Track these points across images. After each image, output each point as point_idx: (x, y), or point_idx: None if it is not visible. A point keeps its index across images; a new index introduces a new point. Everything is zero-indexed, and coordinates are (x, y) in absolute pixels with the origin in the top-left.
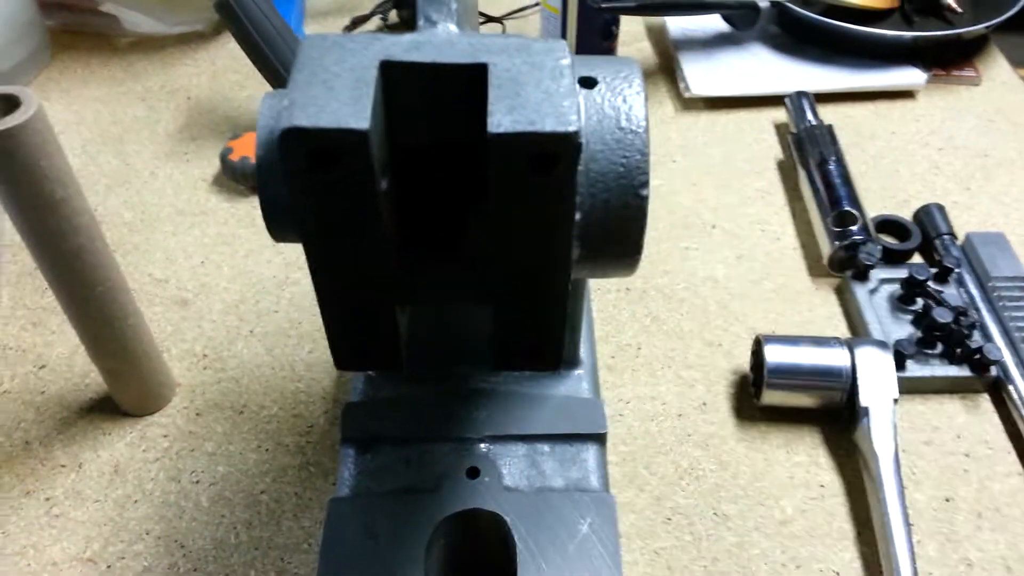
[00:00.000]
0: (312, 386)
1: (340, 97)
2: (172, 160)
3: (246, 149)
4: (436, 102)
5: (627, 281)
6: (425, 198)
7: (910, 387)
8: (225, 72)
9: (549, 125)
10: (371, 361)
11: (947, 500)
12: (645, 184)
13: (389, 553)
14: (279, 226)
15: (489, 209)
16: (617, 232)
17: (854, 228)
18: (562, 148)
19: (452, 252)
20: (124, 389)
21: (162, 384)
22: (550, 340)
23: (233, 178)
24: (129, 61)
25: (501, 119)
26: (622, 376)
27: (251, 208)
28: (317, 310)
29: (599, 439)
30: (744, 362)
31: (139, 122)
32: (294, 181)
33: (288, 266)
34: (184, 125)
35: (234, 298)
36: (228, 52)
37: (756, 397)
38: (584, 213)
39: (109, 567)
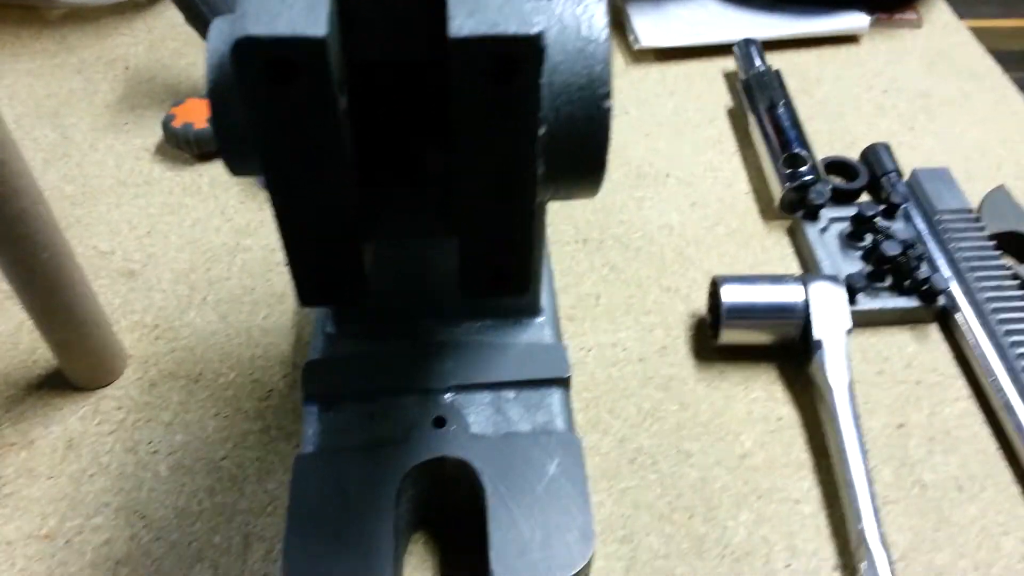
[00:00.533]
0: (270, 351)
1: (294, 7)
2: (112, 131)
3: (189, 115)
4: (393, 13)
5: (584, 232)
6: (385, 125)
7: (862, 320)
8: (163, 40)
9: (512, 27)
10: (335, 295)
11: (900, 426)
12: (607, 96)
13: (358, 506)
14: (236, 156)
15: (451, 127)
16: (581, 147)
17: (804, 169)
18: (526, 52)
19: (414, 183)
20: (74, 362)
21: (113, 356)
22: (517, 263)
23: (177, 146)
24: (62, 34)
25: (462, 23)
26: (583, 325)
27: (196, 176)
28: (271, 276)
29: (563, 383)
30: (701, 305)
31: (75, 94)
32: (251, 98)
33: (238, 232)
34: (123, 95)
35: (184, 267)
36: (166, 20)
37: (714, 338)
38: (548, 127)
39: (68, 542)
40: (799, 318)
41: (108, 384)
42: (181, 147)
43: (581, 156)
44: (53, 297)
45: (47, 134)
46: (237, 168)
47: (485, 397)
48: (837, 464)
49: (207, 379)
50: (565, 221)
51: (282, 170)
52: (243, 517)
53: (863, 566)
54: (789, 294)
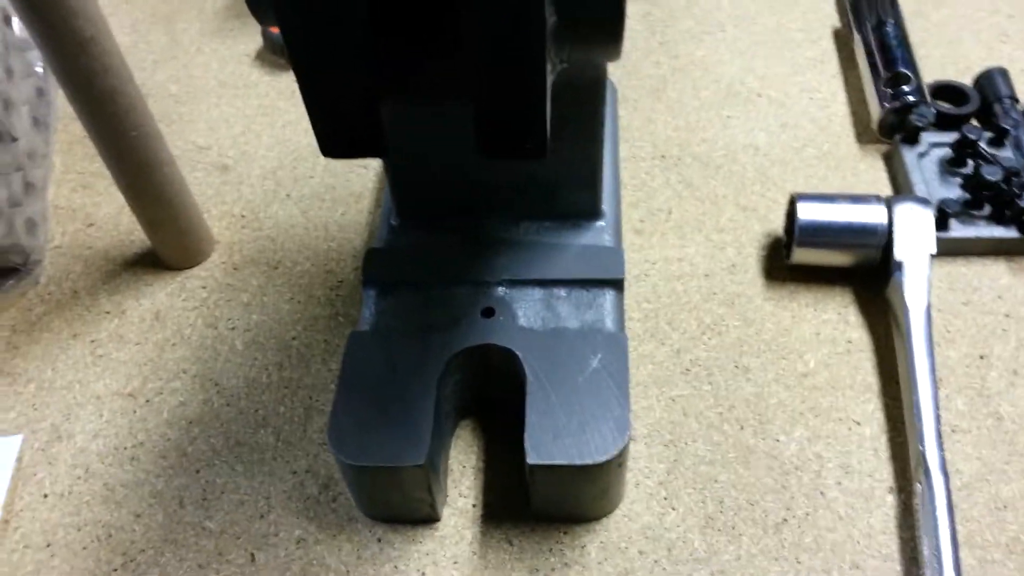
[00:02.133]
0: (344, 245)
1: None
2: (218, 36)
3: None
4: None
5: (663, 148)
6: None
7: (952, 248)
8: None
9: None
10: (354, 149)
11: (981, 358)
12: None
13: (404, 383)
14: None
15: None
16: None
17: (907, 89)
18: None
19: (426, 38)
20: (165, 241)
21: (201, 239)
22: (532, 122)
23: (274, 52)
24: None
25: None
26: (650, 239)
27: (291, 82)
28: (351, 177)
29: (616, 285)
30: (779, 227)
31: (187, 1)
32: None
33: None
34: (231, 2)
35: (272, 165)
36: None
37: (787, 257)
38: None
39: (148, 401)
40: (880, 241)
41: (195, 265)
42: (277, 53)
43: (592, 3)
44: (142, 174)
45: (159, 37)
46: (261, 17)
47: (536, 293)
48: (905, 387)
49: (285, 267)
50: (644, 137)
51: (296, 15)
52: (307, 392)
53: (918, 487)
54: (871, 214)
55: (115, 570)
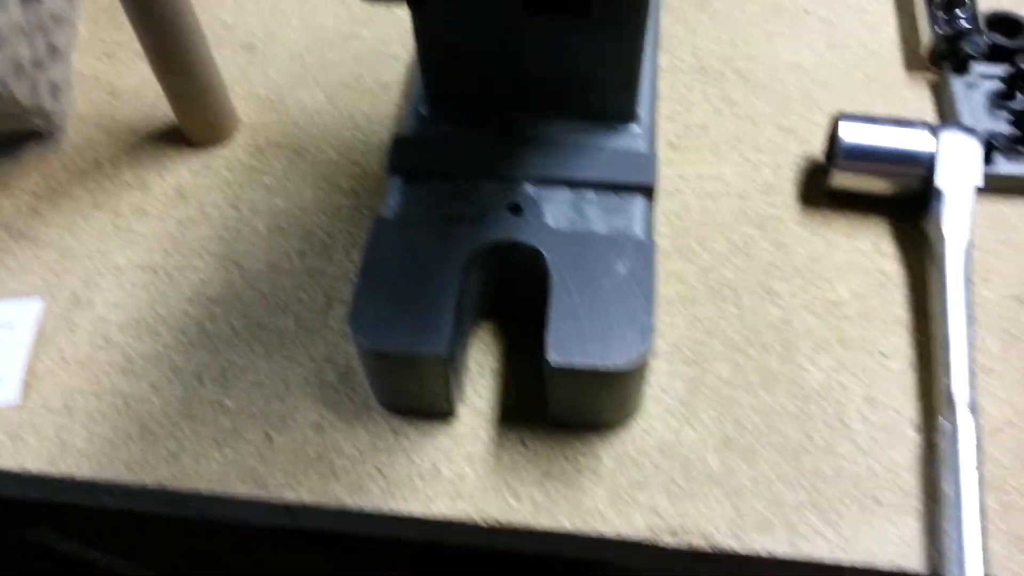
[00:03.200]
0: (371, 137)
1: None
2: None
3: None
4: None
5: (704, 61)
6: None
7: (997, 185)
8: None
9: None
10: None
11: (1018, 299)
12: None
13: (427, 273)
14: None
15: None
16: None
17: (961, 14)
18: None
19: None
20: (190, 116)
21: (226, 117)
22: None
23: None
24: None
25: None
26: (684, 154)
27: None
28: (380, 67)
29: (647, 192)
30: (819, 149)
31: None
32: None
33: (355, 22)
34: None
35: (300, 48)
36: None
37: (825, 182)
38: None
39: (169, 276)
40: (923, 168)
41: (219, 144)
42: None
43: None
44: (168, 40)
45: None
46: None
47: (565, 194)
48: (937, 322)
49: (310, 153)
50: (685, 48)
51: None
52: (328, 280)
53: (945, 424)
54: (916, 140)
55: (131, 438)
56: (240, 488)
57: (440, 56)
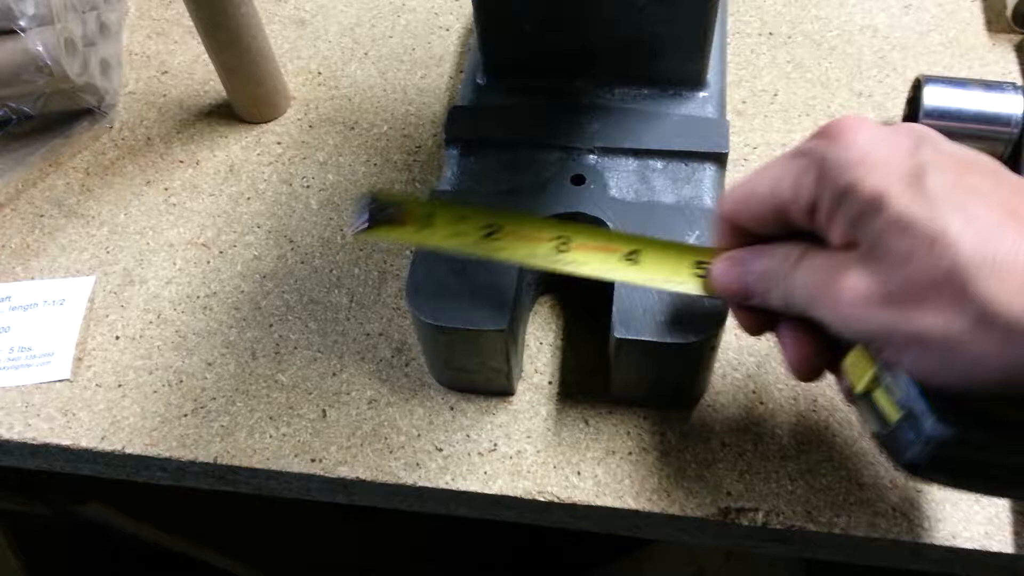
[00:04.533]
0: (423, 110)
1: None
2: None
3: None
4: None
5: (771, 25)
6: None
7: None
8: None
9: None
10: None
11: None
12: None
13: None
14: None
15: None
16: None
17: None
18: None
19: None
20: (241, 91)
21: (278, 92)
22: None
23: None
24: None
25: None
26: (752, 122)
27: None
28: (432, 39)
29: (719, 159)
30: (897, 115)
31: None
32: None
33: None
34: None
35: (351, 21)
36: None
37: None
38: None
39: (221, 252)
40: (1013, 132)
41: (271, 120)
42: None
43: None
44: (220, 15)
45: None
46: None
47: (630, 163)
48: None
49: (362, 128)
50: (751, 11)
51: None
52: (382, 256)
53: None
54: (1004, 103)
55: (185, 415)
56: (295, 464)
57: (499, 22)
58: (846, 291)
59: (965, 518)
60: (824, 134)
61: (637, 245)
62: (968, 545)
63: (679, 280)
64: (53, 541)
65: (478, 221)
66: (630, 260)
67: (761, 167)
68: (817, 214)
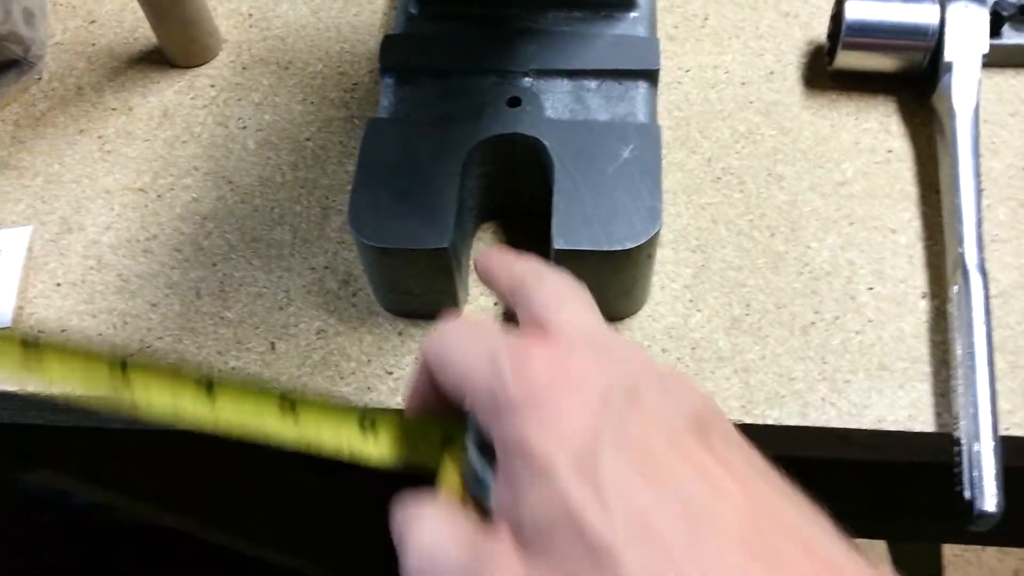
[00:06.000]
0: (357, 47)
1: None
2: None
3: None
4: None
5: None
6: None
7: (1004, 57)
8: None
9: None
10: None
11: None
12: None
13: (425, 171)
14: None
15: None
16: None
17: None
18: None
19: None
20: (171, 35)
21: (209, 35)
22: None
23: None
24: None
25: None
26: (683, 45)
27: None
28: None
29: (650, 77)
30: (821, 34)
31: None
32: None
33: None
34: None
35: None
36: None
37: (830, 64)
38: None
39: (159, 196)
40: (930, 42)
41: (203, 64)
42: None
43: None
44: None
45: None
46: None
47: (565, 84)
48: (946, 195)
49: (296, 67)
50: None
51: None
52: (323, 192)
53: (955, 289)
54: (923, 14)
55: (132, 355)
56: None
57: None
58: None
59: (890, 403)
60: (512, 350)
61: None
62: (893, 427)
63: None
64: (4, 511)
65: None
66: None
67: (464, 336)
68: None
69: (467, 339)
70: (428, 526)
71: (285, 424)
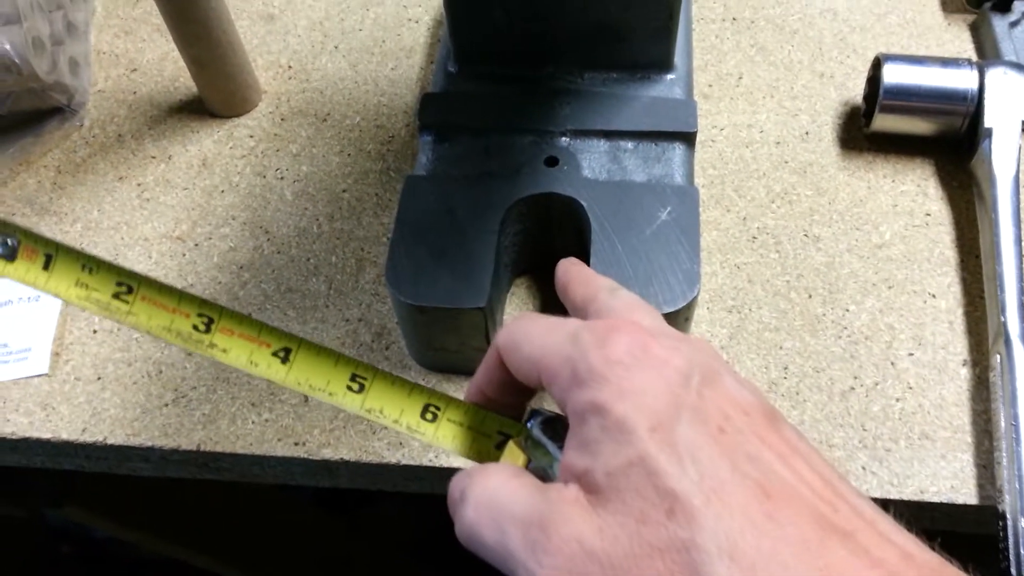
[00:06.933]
0: (395, 100)
1: None
2: None
3: None
4: None
5: (734, 10)
6: None
7: None
8: None
9: None
10: None
11: None
12: None
13: (463, 228)
14: None
15: None
16: None
17: None
18: None
19: None
20: (211, 86)
21: (248, 87)
22: None
23: None
24: None
25: None
26: (718, 104)
27: None
28: (402, 31)
29: (688, 139)
30: (857, 94)
31: None
32: None
33: None
34: None
35: (319, 15)
36: None
37: (867, 125)
38: None
39: (197, 245)
40: (968, 107)
41: (242, 114)
42: None
43: None
44: (189, 10)
45: None
46: None
47: (602, 144)
48: (987, 262)
49: (334, 120)
50: None
51: None
52: (358, 243)
53: (997, 359)
54: (961, 79)
55: (166, 404)
56: (279, 448)
57: (470, 10)
58: (565, 542)
59: (932, 473)
60: (593, 329)
61: (290, 343)
62: (936, 499)
63: (328, 391)
64: (28, 544)
65: (110, 276)
66: (278, 357)
67: (542, 324)
68: (561, 406)
69: (547, 323)
70: (495, 475)
71: (351, 397)
